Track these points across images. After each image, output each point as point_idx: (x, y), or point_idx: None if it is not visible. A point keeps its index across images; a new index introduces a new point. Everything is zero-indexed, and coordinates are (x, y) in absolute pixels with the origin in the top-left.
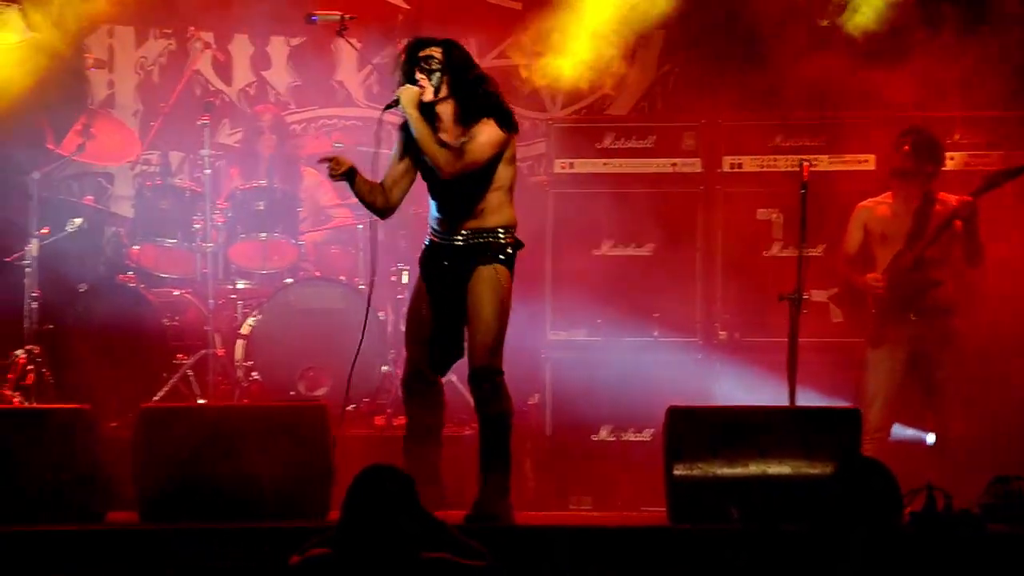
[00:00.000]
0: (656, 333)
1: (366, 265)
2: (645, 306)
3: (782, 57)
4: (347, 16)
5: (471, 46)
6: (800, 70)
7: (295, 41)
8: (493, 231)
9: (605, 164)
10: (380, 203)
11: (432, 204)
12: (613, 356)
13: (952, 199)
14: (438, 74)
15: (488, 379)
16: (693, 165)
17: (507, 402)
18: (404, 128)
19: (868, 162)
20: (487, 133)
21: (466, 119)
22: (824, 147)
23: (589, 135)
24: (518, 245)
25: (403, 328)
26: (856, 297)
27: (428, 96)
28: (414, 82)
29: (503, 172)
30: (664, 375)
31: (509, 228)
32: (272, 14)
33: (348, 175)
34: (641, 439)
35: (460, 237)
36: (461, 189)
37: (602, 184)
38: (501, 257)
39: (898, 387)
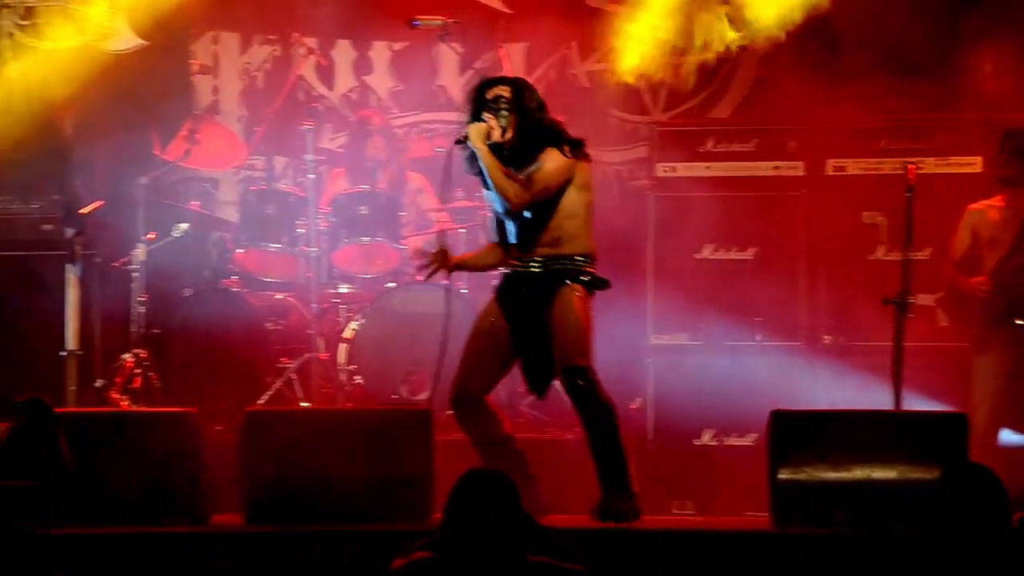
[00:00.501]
0: (759, 337)
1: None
2: (747, 310)
3: (887, 59)
4: (449, 21)
5: (572, 49)
6: (906, 71)
7: (397, 46)
8: (570, 258)
9: (707, 168)
10: (496, 260)
11: (508, 233)
12: (715, 360)
13: None
14: (506, 113)
15: (581, 377)
16: (796, 168)
17: (605, 397)
18: (472, 160)
19: (975, 164)
20: (552, 161)
21: (532, 155)
22: (930, 149)
23: (691, 138)
24: (600, 283)
25: None
26: (962, 301)
27: (496, 136)
28: (478, 118)
29: (576, 199)
30: (767, 379)
31: (587, 257)
32: (375, 19)
33: (455, 268)
34: (744, 443)
35: (536, 264)
36: (534, 217)
37: (704, 188)
38: (582, 278)
39: (1004, 393)
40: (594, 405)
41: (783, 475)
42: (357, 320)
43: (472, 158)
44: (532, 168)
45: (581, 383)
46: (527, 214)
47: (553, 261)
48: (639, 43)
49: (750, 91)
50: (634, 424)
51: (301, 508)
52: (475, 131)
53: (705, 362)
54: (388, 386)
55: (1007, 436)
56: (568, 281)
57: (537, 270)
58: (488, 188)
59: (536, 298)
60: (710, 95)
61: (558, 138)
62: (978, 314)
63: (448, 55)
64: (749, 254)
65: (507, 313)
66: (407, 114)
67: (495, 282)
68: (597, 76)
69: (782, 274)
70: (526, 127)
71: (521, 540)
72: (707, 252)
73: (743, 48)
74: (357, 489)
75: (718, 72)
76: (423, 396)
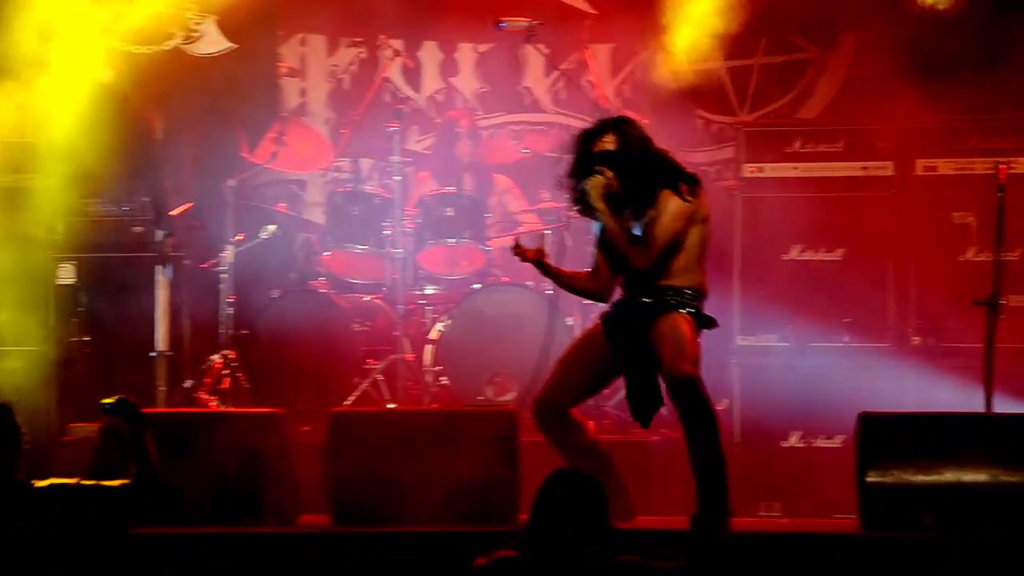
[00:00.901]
0: (847, 338)
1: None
2: (835, 311)
3: (976, 57)
4: (534, 22)
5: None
6: (995, 69)
7: (483, 47)
8: (679, 290)
9: (794, 168)
10: (588, 288)
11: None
12: (802, 361)
13: None
14: (616, 162)
15: (686, 385)
16: (885, 169)
17: (710, 407)
18: (587, 206)
19: None
20: (671, 209)
21: (647, 197)
22: (1021, 149)
23: (778, 139)
24: (707, 321)
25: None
26: None
27: (614, 186)
28: (589, 173)
29: (691, 234)
30: (855, 381)
31: (697, 292)
32: (461, 21)
33: (536, 263)
34: (832, 445)
35: (647, 296)
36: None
37: (791, 188)
38: (689, 311)
39: None
40: (698, 414)
41: (871, 478)
42: (443, 321)
43: (588, 206)
44: (651, 213)
45: (687, 391)
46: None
47: (662, 292)
48: (694, 29)
49: (838, 92)
50: (720, 426)
51: (387, 509)
52: (594, 190)
53: (792, 363)
54: (474, 387)
55: None
56: (673, 309)
57: (647, 301)
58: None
59: (641, 326)
60: (798, 95)
61: (673, 177)
62: None
63: (534, 56)
64: (837, 255)
65: (611, 339)
66: (493, 115)
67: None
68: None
69: (871, 275)
70: (638, 172)
71: (609, 539)
72: (794, 253)
73: (830, 48)
74: (443, 491)
75: (806, 72)
76: (509, 397)
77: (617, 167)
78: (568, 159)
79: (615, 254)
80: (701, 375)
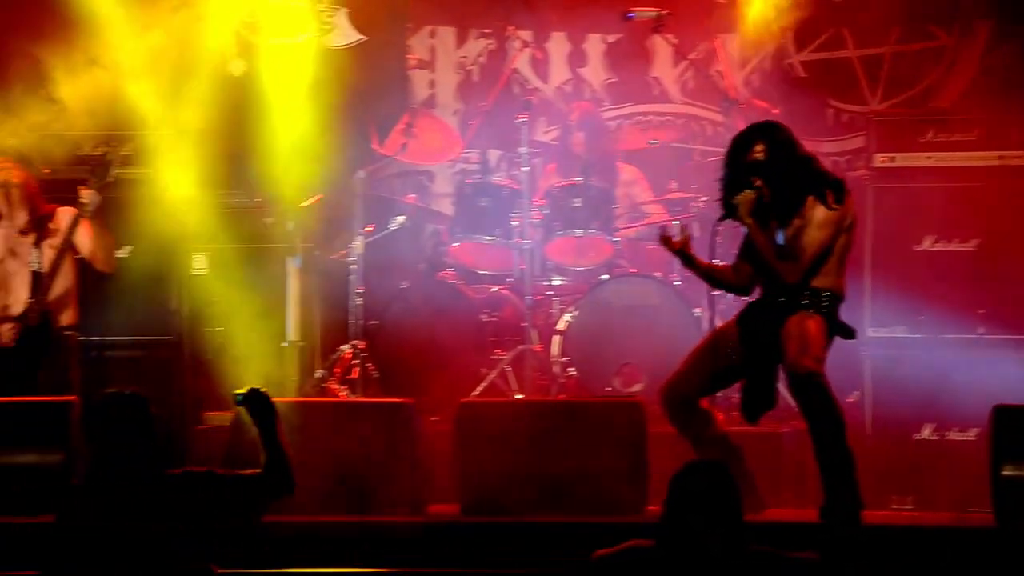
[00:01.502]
0: (981, 330)
1: (679, 262)
2: (969, 303)
3: None
4: (663, 12)
5: (788, 39)
6: None
7: (611, 38)
8: (816, 292)
9: (928, 158)
10: (730, 282)
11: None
12: (935, 354)
13: None
14: (765, 172)
15: (809, 381)
16: (1021, 158)
17: (834, 404)
18: (736, 218)
19: None
20: (818, 218)
21: (794, 205)
22: None
23: (911, 128)
24: (844, 329)
25: (720, 323)
26: None
27: (762, 195)
28: (740, 185)
29: (837, 240)
30: (989, 373)
31: (834, 295)
32: (589, 12)
33: (680, 253)
34: (965, 438)
35: (784, 296)
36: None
37: (924, 178)
38: (822, 307)
39: None
40: (820, 410)
41: (1007, 471)
42: (570, 312)
43: (738, 218)
44: (797, 222)
45: (808, 387)
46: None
47: (798, 293)
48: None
49: (972, 80)
50: (851, 418)
51: (515, 499)
52: (743, 206)
53: (924, 355)
54: (601, 378)
55: None
56: (806, 310)
57: (783, 301)
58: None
59: (773, 324)
60: (931, 84)
61: (819, 183)
62: None
63: (662, 46)
64: (971, 245)
65: (744, 336)
66: (621, 105)
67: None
68: (814, 66)
69: (1006, 266)
70: (786, 181)
71: (739, 530)
72: (927, 244)
73: (965, 36)
74: (571, 481)
75: (939, 61)
76: (636, 388)
77: (766, 177)
78: (721, 171)
79: (760, 263)
80: (824, 372)
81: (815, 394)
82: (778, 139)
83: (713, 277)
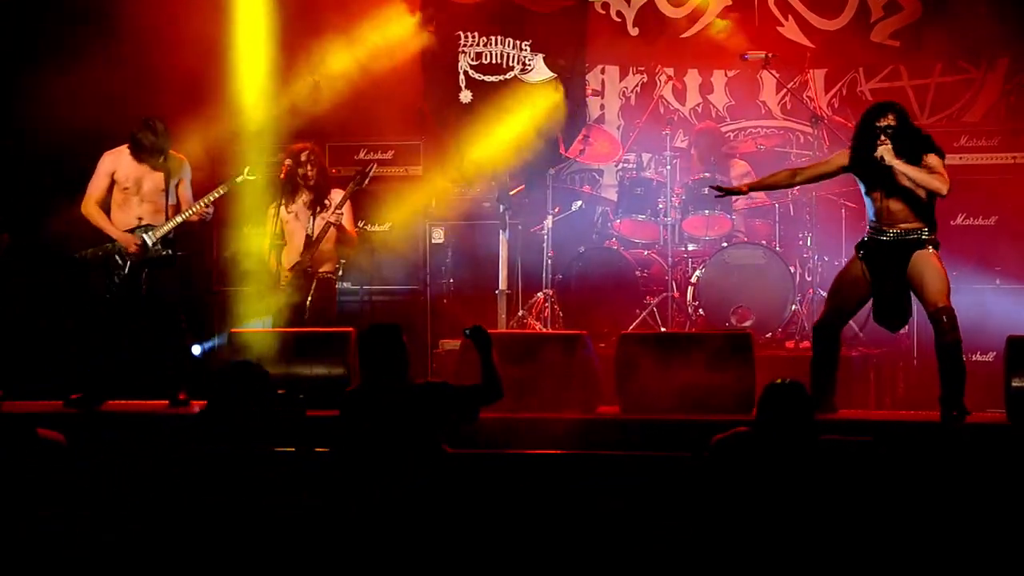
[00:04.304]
0: (998, 282)
1: (779, 233)
2: (989, 261)
3: None
4: (770, 54)
5: (860, 73)
6: None
7: (731, 73)
8: (919, 231)
9: (960, 158)
10: (783, 183)
11: (870, 208)
12: (964, 298)
13: None
14: (893, 133)
15: (947, 315)
16: None
17: (958, 332)
18: (867, 163)
19: None
20: (938, 163)
21: (914, 155)
22: None
23: (949, 137)
24: (938, 244)
25: (808, 279)
26: None
27: (895, 150)
28: (872, 141)
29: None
30: (1004, 312)
31: (931, 229)
32: (716, 54)
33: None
34: (987, 359)
35: (891, 234)
36: (898, 198)
37: (958, 172)
38: (931, 247)
39: None
40: (952, 338)
41: (1016, 383)
42: (700, 270)
43: (874, 167)
44: (926, 164)
45: (945, 320)
46: (894, 194)
47: (905, 233)
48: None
49: (995, 101)
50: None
51: (661, 403)
52: (887, 153)
53: (957, 300)
54: (722, 316)
55: None
56: (922, 245)
57: (890, 239)
58: (879, 188)
59: (896, 255)
60: (964, 105)
61: (931, 145)
62: None
63: (768, 78)
64: (991, 221)
65: (872, 269)
66: (737, 121)
67: (856, 244)
68: (878, 92)
69: (1018, 235)
70: (912, 139)
71: (813, 427)
72: (960, 219)
73: (990, 70)
74: (698, 389)
75: (970, 88)
76: (747, 324)
77: (894, 138)
78: (855, 136)
79: (901, 192)
80: (952, 306)
81: (951, 322)
82: (904, 114)
83: (768, 184)
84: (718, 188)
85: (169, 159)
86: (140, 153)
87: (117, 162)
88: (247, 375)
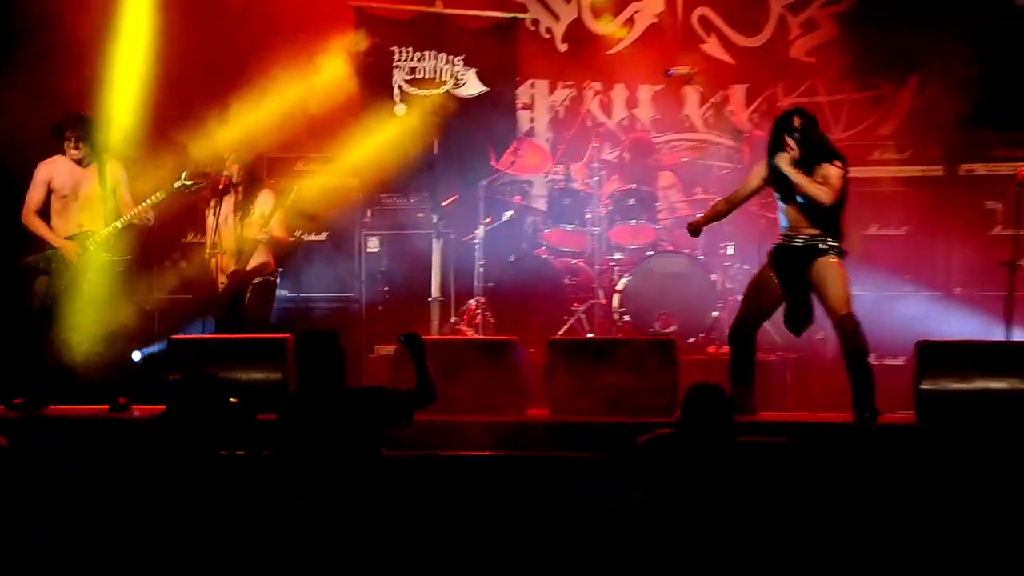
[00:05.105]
0: (908, 288)
1: (701, 243)
2: (900, 269)
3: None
4: (692, 70)
5: (779, 89)
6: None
7: (656, 88)
8: (822, 238)
9: (873, 170)
10: (724, 209)
11: (780, 215)
12: (876, 304)
13: None
14: (797, 137)
15: (849, 323)
16: (937, 171)
17: (862, 339)
18: (772, 171)
19: None
20: (835, 174)
21: (811, 163)
22: None
23: (862, 150)
24: (842, 252)
25: (729, 286)
26: None
27: (796, 156)
28: (779, 148)
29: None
30: (914, 318)
31: (836, 236)
32: (641, 70)
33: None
34: (897, 363)
35: (799, 241)
36: (804, 208)
37: (871, 184)
38: (833, 254)
39: None
40: (857, 345)
41: (925, 385)
42: (626, 278)
43: (780, 176)
44: (819, 174)
45: (849, 328)
46: (801, 201)
47: (811, 239)
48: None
49: (905, 117)
50: (821, 351)
51: (587, 406)
52: (784, 161)
53: (868, 306)
54: (647, 323)
55: None
56: (823, 252)
57: (799, 245)
58: (787, 196)
59: (800, 263)
60: (876, 119)
61: (831, 155)
62: None
63: (691, 93)
64: (903, 231)
65: (780, 275)
66: (662, 134)
67: (767, 250)
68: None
69: (926, 245)
70: (811, 147)
71: (732, 428)
72: (872, 229)
73: (901, 87)
74: (623, 393)
75: (882, 103)
76: (671, 330)
77: (799, 140)
78: (768, 141)
79: (796, 202)
80: (855, 312)
81: (854, 329)
82: (810, 120)
83: (715, 218)
84: (692, 230)
85: (103, 164)
86: (64, 138)
87: (52, 170)
88: (203, 384)
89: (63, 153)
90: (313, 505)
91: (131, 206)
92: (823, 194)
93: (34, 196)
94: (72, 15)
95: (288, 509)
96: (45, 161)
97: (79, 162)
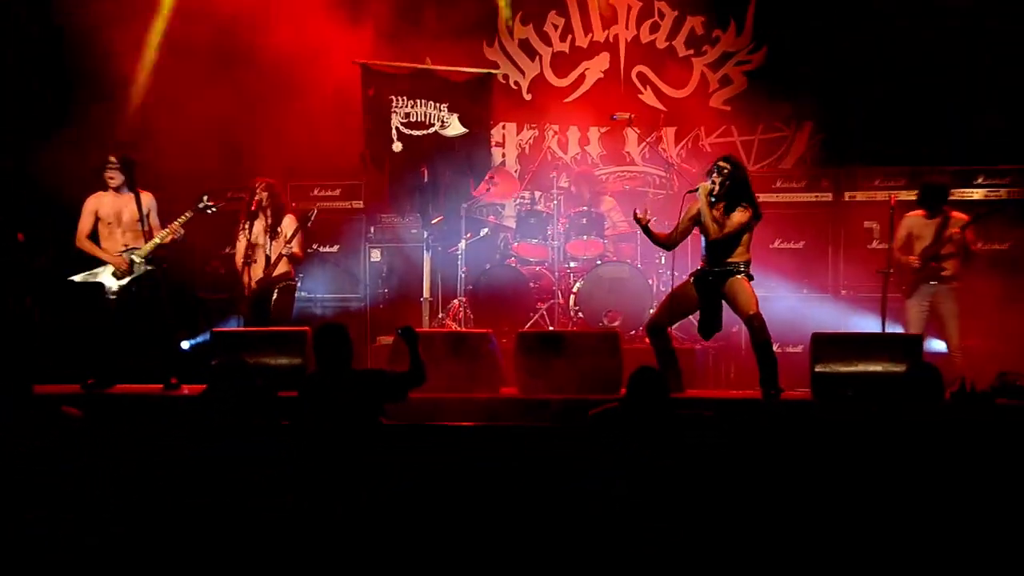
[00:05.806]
0: (804, 291)
1: (640, 254)
2: (798, 276)
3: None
4: (632, 115)
5: (702, 131)
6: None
7: (603, 129)
8: (736, 264)
9: (776, 196)
10: (665, 242)
11: (704, 247)
12: (780, 304)
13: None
14: (721, 178)
15: (756, 320)
16: (827, 196)
17: (767, 332)
18: (699, 213)
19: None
20: (738, 218)
21: (730, 205)
22: (906, 185)
23: (768, 180)
24: (751, 276)
25: (662, 289)
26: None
27: (715, 190)
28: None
29: (746, 235)
30: (809, 314)
31: (747, 263)
32: (591, 114)
33: (644, 227)
34: (796, 351)
35: (718, 267)
36: (721, 242)
37: (775, 208)
38: (748, 273)
39: (925, 321)
40: (762, 337)
41: (818, 368)
42: (580, 282)
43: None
44: (732, 213)
45: (756, 324)
46: (718, 240)
47: (727, 266)
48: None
49: (802, 153)
50: (736, 343)
51: (549, 385)
52: (702, 189)
53: (774, 305)
54: (597, 319)
55: (930, 344)
56: (736, 275)
57: (718, 270)
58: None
59: (717, 283)
60: (779, 156)
61: (748, 198)
62: (909, 277)
63: (631, 134)
64: (800, 244)
65: (699, 289)
66: (608, 167)
67: (693, 272)
68: (715, 145)
69: (819, 256)
70: (731, 188)
71: (669, 404)
72: (776, 243)
73: (799, 130)
74: (579, 375)
75: (783, 144)
76: (616, 324)
77: (722, 182)
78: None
79: (704, 234)
80: (760, 313)
81: (761, 325)
82: (737, 166)
83: (657, 240)
84: (637, 220)
85: (138, 194)
86: (108, 163)
87: (99, 202)
88: (236, 368)
89: (104, 188)
90: (317, 478)
91: (160, 228)
92: (712, 229)
93: (85, 224)
94: (116, 60)
95: (285, 510)
96: (91, 196)
97: (117, 189)
